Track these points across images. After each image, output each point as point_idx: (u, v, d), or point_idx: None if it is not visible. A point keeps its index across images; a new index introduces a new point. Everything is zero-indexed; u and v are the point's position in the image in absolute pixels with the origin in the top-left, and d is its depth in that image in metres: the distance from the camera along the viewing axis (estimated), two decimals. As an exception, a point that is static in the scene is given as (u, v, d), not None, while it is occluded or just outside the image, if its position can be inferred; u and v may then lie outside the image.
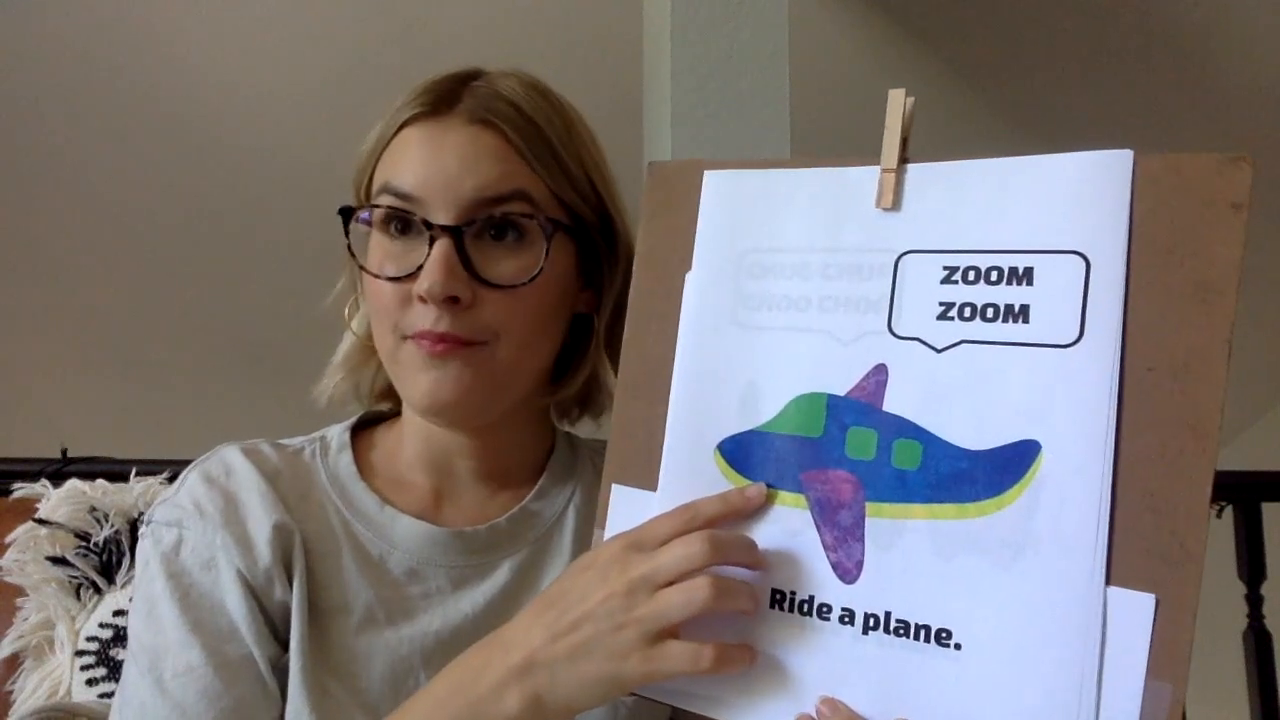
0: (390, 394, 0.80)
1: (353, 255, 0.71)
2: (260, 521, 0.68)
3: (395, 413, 0.80)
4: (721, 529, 0.56)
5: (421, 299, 0.65)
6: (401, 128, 0.70)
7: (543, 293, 0.70)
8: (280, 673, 0.66)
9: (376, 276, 0.68)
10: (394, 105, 0.71)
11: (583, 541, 0.76)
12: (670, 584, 0.53)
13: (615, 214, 0.76)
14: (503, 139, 0.69)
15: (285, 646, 0.67)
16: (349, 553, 0.70)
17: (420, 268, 0.66)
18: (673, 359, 0.62)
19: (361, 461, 0.76)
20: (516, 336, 0.69)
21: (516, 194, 0.68)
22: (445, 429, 0.73)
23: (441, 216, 0.66)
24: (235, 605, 0.66)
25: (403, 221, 0.68)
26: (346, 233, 0.70)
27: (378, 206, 0.68)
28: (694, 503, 0.57)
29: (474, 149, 0.68)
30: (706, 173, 0.63)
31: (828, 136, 2.02)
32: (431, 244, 0.66)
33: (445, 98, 0.70)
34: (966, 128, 2.61)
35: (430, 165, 0.67)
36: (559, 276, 0.72)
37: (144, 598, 0.67)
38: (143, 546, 0.70)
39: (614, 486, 0.63)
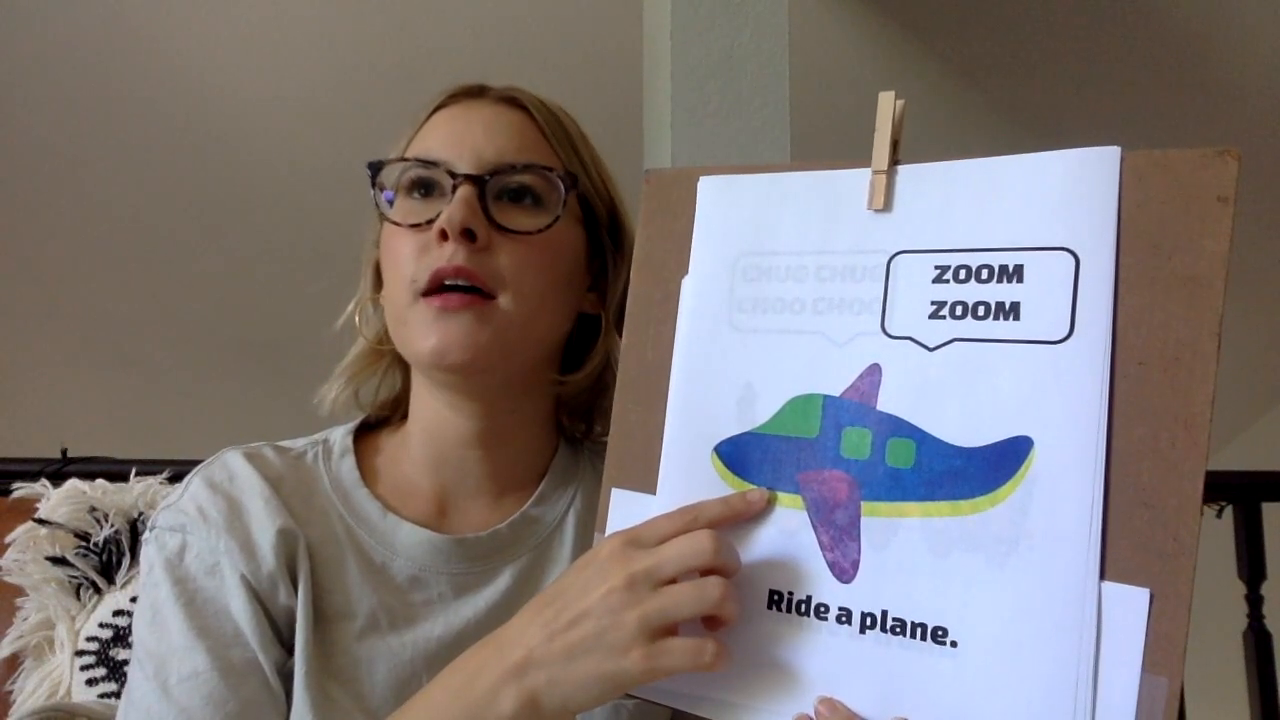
0: (391, 404, 0.80)
1: (377, 206, 0.74)
2: (264, 526, 0.68)
3: (399, 417, 0.80)
4: (721, 531, 0.56)
5: (442, 235, 0.68)
6: (430, 116, 0.75)
7: (553, 253, 0.72)
8: (285, 677, 0.66)
9: (398, 225, 0.71)
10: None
11: (582, 546, 0.76)
12: (672, 581, 0.53)
13: (623, 214, 0.79)
14: (528, 118, 0.74)
15: (290, 651, 0.67)
16: (352, 559, 0.70)
17: (441, 213, 0.68)
18: (670, 363, 0.62)
19: (364, 467, 0.76)
20: (525, 290, 0.70)
21: (536, 165, 0.71)
22: (452, 389, 0.73)
23: (465, 170, 0.70)
24: (240, 610, 0.66)
25: (426, 185, 0.72)
26: (373, 186, 0.74)
27: (405, 161, 0.72)
28: (696, 505, 0.57)
29: (500, 122, 0.73)
30: (702, 178, 0.63)
31: (828, 136, 2.02)
32: (453, 191, 0.69)
33: (474, 89, 0.76)
34: (966, 127, 2.61)
35: (457, 134, 0.72)
36: (569, 248, 0.74)
37: (149, 603, 0.67)
38: (146, 552, 0.70)
39: (614, 490, 0.63)
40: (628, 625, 0.52)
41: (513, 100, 0.74)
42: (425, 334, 0.68)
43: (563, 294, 0.74)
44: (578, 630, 0.53)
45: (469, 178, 0.69)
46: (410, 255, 0.69)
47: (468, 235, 0.68)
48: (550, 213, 0.71)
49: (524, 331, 0.71)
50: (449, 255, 0.67)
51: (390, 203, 0.73)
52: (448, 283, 0.68)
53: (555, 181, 0.72)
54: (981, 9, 2.31)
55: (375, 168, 0.73)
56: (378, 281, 0.78)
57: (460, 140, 0.71)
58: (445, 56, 2.38)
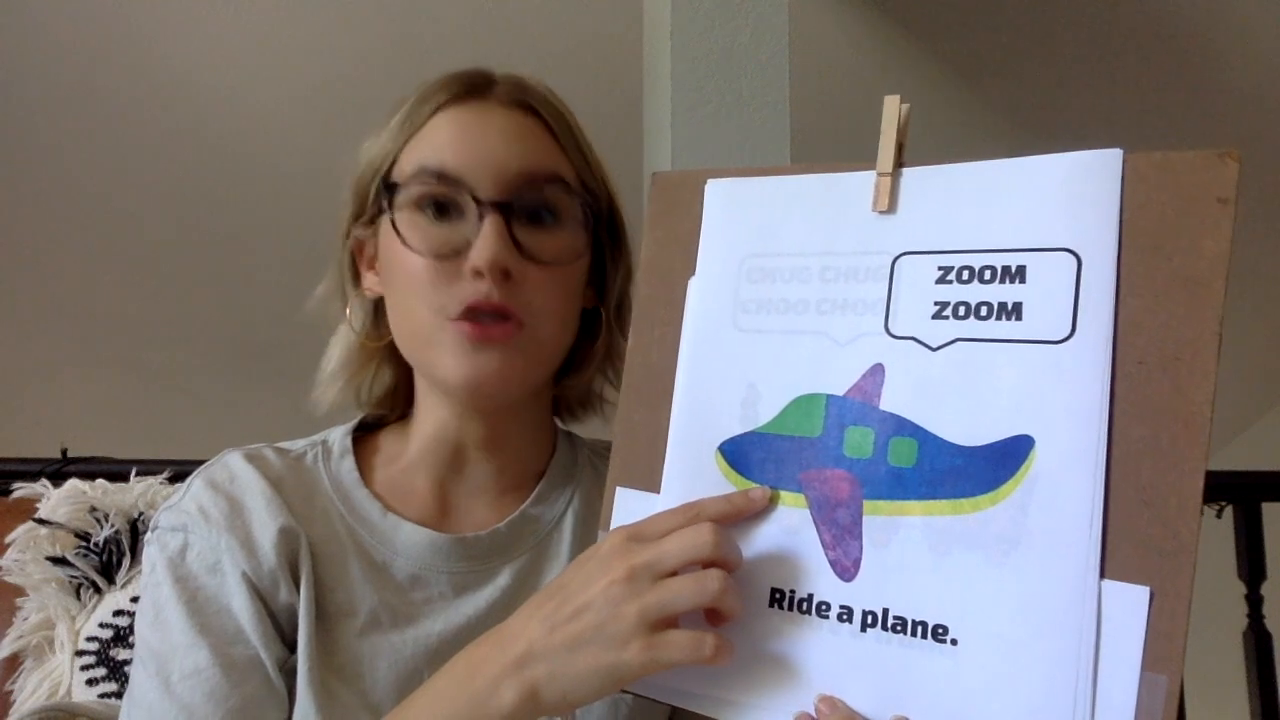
0: (389, 399, 0.80)
1: (397, 232, 0.69)
2: (265, 525, 0.68)
3: (395, 414, 0.80)
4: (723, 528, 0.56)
5: (477, 272, 0.66)
6: (434, 114, 0.70)
7: (576, 274, 0.72)
8: (287, 674, 0.66)
9: (420, 254, 0.67)
10: (409, 99, 0.72)
11: (581, 545, 0.76)
12: (673, 574, 0.53)
13: (620, 209, 0.78)
14: (541, 123, 0.72)
15: (291, 649, 0.67)
16: (353, 557, 0.71)
17: (469, 245, 0.66)
18: (675, 363, 0.62)
19: (363, 466, 0.76)
20: (554, 315, 0.70)
21: (555, 176, 0.70)
22: (470, 410, 0.73)
23: (490, 193, 0.67)
24: (241, 608, 0.66)
25: (440, 203, 0.68)
26: (391, 208, 0.69)
27: (422, 184, 0.68)
28: (698, 501, 0.57)
29: (517, 130, 0.70)
30: (709, 181, 0.64)
31: (828, 136, 2.02)
32: (481, 219, 0.66)
33: (476, 86, 0.71)
34: (967, 127, 2.61)
35: (474, 144, 0.68)
36: (584, 261, 0.74)
37: (151, 602, 0.67)
38: (148, 552, 0.70)
39: (618, 489, 0.63)
40: (628, 617, 0.52)
41: (521, 103, 0.71)
42: (458, 364, 0.67)
43: (577, 305, 0.74)
44: (578, 623, 0.53)
45: (495, 205, 0.67)
46: (435, 282, 0.67)
47: (504, 273, 0.66)
48: (570, 232, 0.71)
49: (551, 353, 0.72)
50: (484, 291, 0.66)
51: (379, 210, 0.71)
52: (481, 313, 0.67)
53: (574, 197, 0.71)
54: (981, 9, 2.31)
55: (390, 188, 0.70)
56: (354, 274, 0.77)
57: (476, 154, 0.68)
58: (444, 57, 2.37)
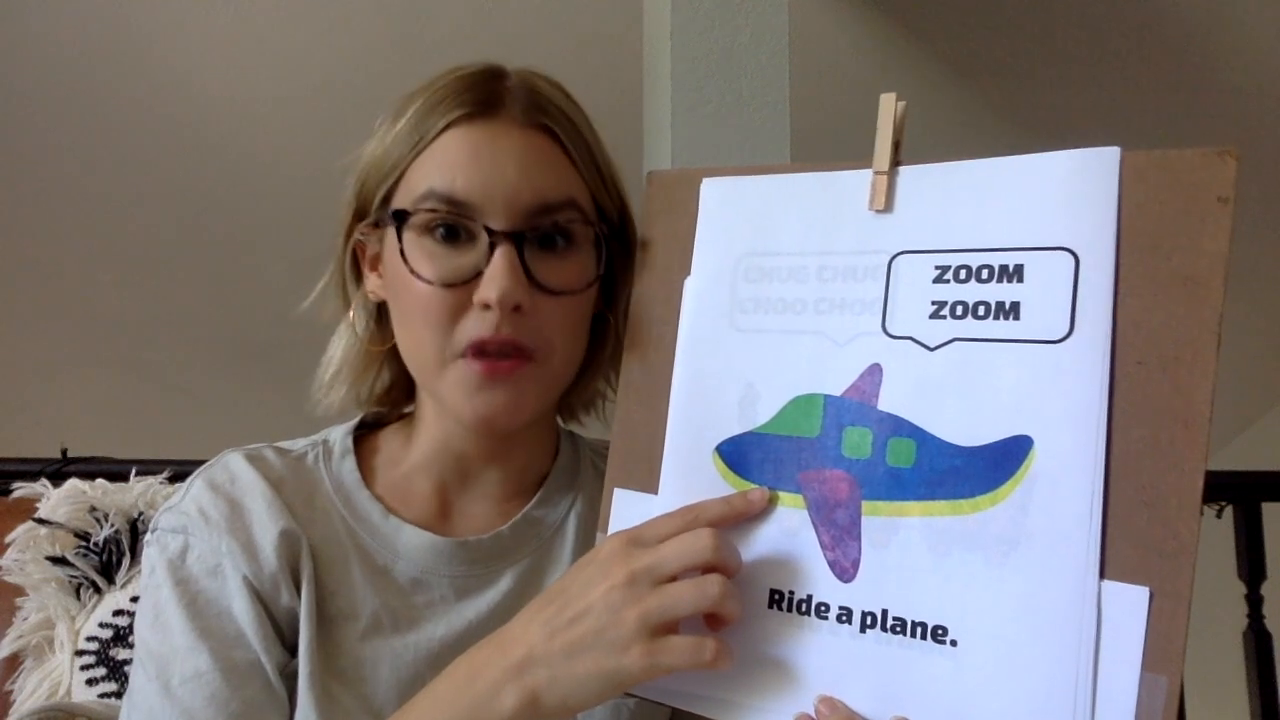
0: (389, 397, 0.80)
1: (405, 260, 0.66)
2: (266, 528, 0.68)
3: (395, 413, 0.80)
4: (722, 530, 0.56)
5: (485, 305, 0.64)
6: (444, 130, 0.67)
7: (588, 298, 0.70)
8: (288, 678, 0.66)
9: (429, 283, 0.65)
10: (417, 101, 0.69)
11: (584, 547, 0.75)
12: (673, 579, 0.53)
13: (631, 217, 0.76)
14: (556, 144, 0.68)
15: (292, 652, 0.67)
16: (355, 560, 0.70)
17: (478, 274, 0.64)
18: (673, 363, 0.62)
19: (364, 467, 0.75)
20: (566, 342, 0.68)
21: (570, 202, 0.67)
22: (480, 437, 0.73)
23: (501, 222, 0.64)
24: (242, 611, 0.65)
25: (449, 228, 0.66)
26: (400, 236, 0.66)
27: (431, 211, 0.65)
28: (697, 504, 0.57)
29: (531, 154, 0.66)
30: (705, 180, 0.64)
31: (828, 136, 2.02)
32: (491, 250, 0.64)
33: (489, 99, 0.67)
34: (966, 127, 2.61)
35: (486, 170, 0.65)
36: (593, 277, 0.71)
37: (151, 604, 0.67)
38: (148, 553, 0.69)
39: (616, 490, 0.63)
40: (628, 622, 0.52)
41: (536, 123, 0.68)
42: (468, 397, 0.66)
43: (587, 326, 0.72)
44: (578, 628, 0.53)
45: (508, 236, 0.64)
46: (444, 310, 0.65)
47: (515, 307, 0.64)
48: (583, 259, 0.69)
49: (562, 377, 0.70)
50: (493, 325, 0.64)
51: (374, 225, 0.70)
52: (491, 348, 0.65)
53: (588, 223, 0.69)
54: (981, 9, 2.31)
55: (399, 215, 0.66)
56: (355, 273, 0.75)
57: (489, 180, 0.65)
58: (444, 57, 2.37)
